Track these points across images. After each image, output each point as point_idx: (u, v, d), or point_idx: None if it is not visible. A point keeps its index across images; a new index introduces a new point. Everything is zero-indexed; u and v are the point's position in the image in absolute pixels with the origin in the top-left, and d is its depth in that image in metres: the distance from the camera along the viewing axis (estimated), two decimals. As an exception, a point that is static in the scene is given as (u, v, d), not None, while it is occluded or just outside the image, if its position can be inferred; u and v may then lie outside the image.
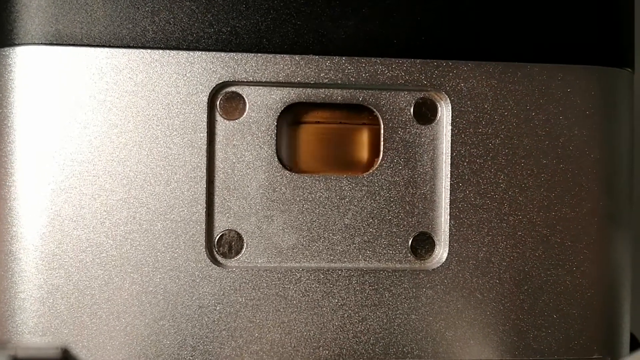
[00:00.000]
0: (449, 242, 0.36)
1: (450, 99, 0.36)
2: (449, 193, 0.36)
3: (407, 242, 0.36)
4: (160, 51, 0.34)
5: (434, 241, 0.37)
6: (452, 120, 0.36)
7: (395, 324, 0.36)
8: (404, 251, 0.36)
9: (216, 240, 0.35)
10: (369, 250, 0.36)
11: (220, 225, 0.35)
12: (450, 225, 0.36)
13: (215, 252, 0.35)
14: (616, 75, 0.37)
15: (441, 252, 0.36)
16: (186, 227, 0.35)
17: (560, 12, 0.37)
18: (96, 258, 0.34)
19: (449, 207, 0.36)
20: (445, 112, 0.36)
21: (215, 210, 0.35)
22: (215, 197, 0.35)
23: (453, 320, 0.36)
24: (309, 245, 0.36)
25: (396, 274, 0.36)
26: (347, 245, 0.36)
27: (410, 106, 0.36)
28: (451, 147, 0.36)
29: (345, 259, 0.36)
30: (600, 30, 0.37)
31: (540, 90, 0.36)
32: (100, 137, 0.34)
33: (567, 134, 0.37)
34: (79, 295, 0.34)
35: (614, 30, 0.38)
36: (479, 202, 0.36)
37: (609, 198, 0.37)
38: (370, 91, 0.36)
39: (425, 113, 0.36)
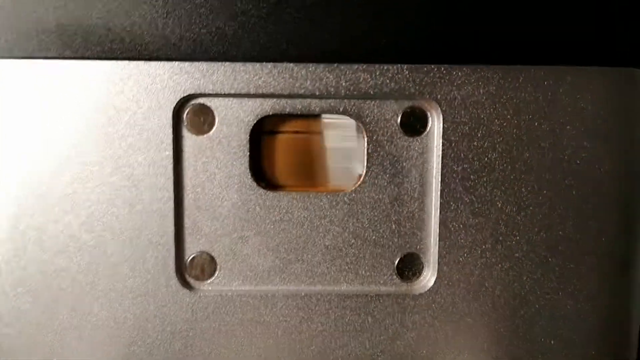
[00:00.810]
0: (438, 264, 0.33)
1: (441, 109, 0.32)
2: (438, 211, 0.33)
3: (393, 263, 0.34)
4: (120, 62, 0.31)
5: (422, 263, 0.34)
6: (443, 131, 0.32)
7: (379, 350, 0.34)
8: (389, 273, 0.34)
9: (187, 263, 0.33)
10: (352, 273, 0.34)
11: (191, 247, 0.33)
12: (439, 246, 0.33)
13: (186, 276, 0.33)
14: (633, 77, 0.33)
15: (429, 275, 0.34)
16: (155, 250, 0.33)
17: (567, 6, 0.32)
18: (62, 283, 0.33)
19: (438, 226, 0.33)
20: (435, 122, 0.33)
21: (186, 232, 0.33)
22: (185, 217, 0.33)
23: (442, 348, 0.34)
24: (286, 268, 0.33)
25: (380, 298, 0.33)
26: (327, 268, 0.34)
27: (397, 117, 0.33)
28: (442, 161, 0.33)
29: (326, 282, 0.34)
30: (614, 25, 0.33)
31: (544, 97, 0.32)
32: (60, 157, 0.32)
33: (574, 145, 0.33)
34: (47, 321, 0.33)
35: (631, 25, 0.33)
36: (472, 222, 0.33)
37: (621, 217, 0.33)
38: (352, 101, 0.33)
39: (414, 124, 0.33)
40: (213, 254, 0.33)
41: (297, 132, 0.34)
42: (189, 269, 0.33)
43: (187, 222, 0.33)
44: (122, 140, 0.32)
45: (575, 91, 0.32)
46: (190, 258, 0.33)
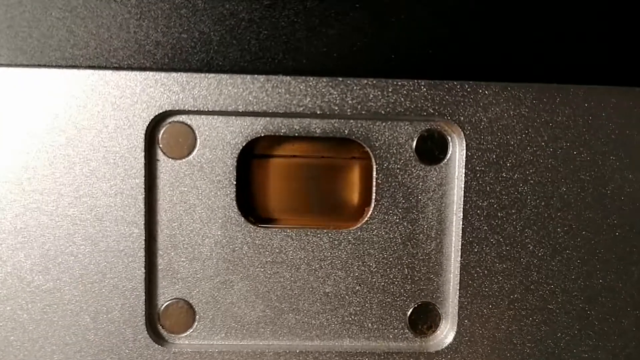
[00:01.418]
0: (458, 316, 0.28)
1: (464, 132, 0.27)
2: (459, 254, 0.28)
3: (405, 315, 0.29)
4: (83, 71, 0.26)
5: (439, 314, 0.29)
6: (466, 159, 0.27)
7: (387, 418, 0.28)
8: (400, 327, 0.29)
9: (160, 312, 0.28)
10: (356, 326, 0.28)
11: (166, 294, 0.28)
12: (460, 295, 0.28)
13: (159, 328, 0.28)
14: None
15: (448, 329, 0.29)
16: (122, 296, 0.27)
17: (611, 19, 0.27)
18: (11, 335, 0.27)
19: (459, 271, 0.28)
20: (457, 149, 0.28)
21: (159, 275, 0.28)
22: (159, 258, 0.28)
23: (461, 416, 0.28)
24: (278, 319, 0.28)
25: (390, 356, 0.28)
26: (327, 319, 0.28)
27: (412, 141, 0.28)
28: (464, 194, 0.28)
29: (325, 337, 0.28)
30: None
31: (585, 121, 0.28)
32: (8, 183, 0.26)
33: (619, 179, 0.28)
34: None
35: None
36: (499, 267, 0.28)
37: (672, 263, 0.28)
38: (359, 122, 0.28)
39: (432, 150, 0.28)
40: (191, 301, 0.28)
41: (293, 156, 0.29)
42: (162, 320, 0.28)
43: (161, 263, 0.28)
44: (84, 164, 0.26)
45: (620, 115, 0.28)
46: (163, 306, 0.28)
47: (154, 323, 0.28)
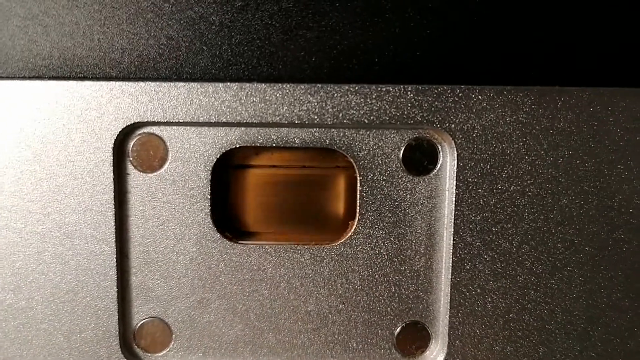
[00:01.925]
0: (449, 336, 0.26)
1: (455, 141, 0.25)
2: (450, 271, 0.26)
3: (392, 335, 0.27)
4: (47, 82, 0.25)
5: (428, 334, 0.27)
6: (457, 170, 0.25)
7: None
8: (387, 347, 0.27)
9: (135, 331, 0.27)
10: (340, 346, 0.27)
11: (140, 313, 0.27)
12: (450, 315, 0.26)
13: (134, 347, 0.27)
14: None
15: (437, 350, 0.27)
16: (94, 316, 0.26)
17: (616, 15, 0.25)
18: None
19: (450, 289, 0.26)
20: (448, 158, 0.26)
21: (132, 293, 0.27)
22: (132, 276, 0.26)
23: None
24: (257, 339, 0.27)
25: (376, 376, 0.27)
26: (309, 339, 0.27)
27: (399, 150, 0.26)
28: (455, 208, 0.25)
29: (307, 358, 0.27)
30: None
31: (589, 126, 0.25)
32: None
33: (627, 190, 0.25)
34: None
35: None
36: (493, 285, 0.26)
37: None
38: (341, 130, 0.26)
39: (420, 160, 0.26)
40: (167, 320, 0.27)
41: (273, 166, 0.27)
42: (137, 339, 0.27)
43: (135, 281, 0.26)
44: (51, 180, 0.25)
45: (629, 119, 0.25)
46: (138, 325, 0.27)
47: (129, 342, 0.27)
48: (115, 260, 0.26)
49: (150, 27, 0.25)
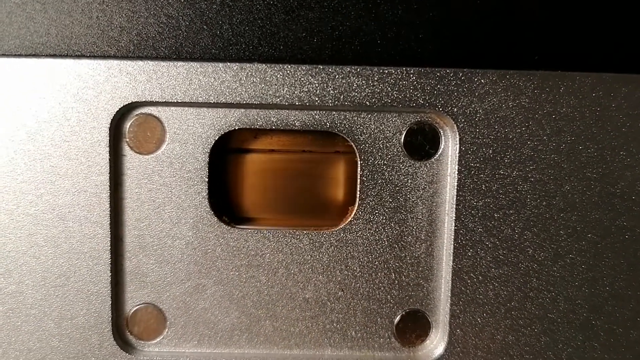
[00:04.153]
0: (450, 325, 0.26)
1: (457, 125, 0.25)
2: (452, 258, 0.26)
3: (392, 323, 0.26)
4: (42, 60, 0.24)
5: (428, 323, 0.26)
6: (459, 155, 0.25)
7: None
8: (386, 335, 0.26)
9: (128, 318, 0.26)
10: (338, 334, 0.26)
11: (134, 298, 0.26)
12: (452, 303, 0.26)
13: (127, 334, 0.26)
14: None
15: (438, 339, 0.26)
16: (87, 301, 0.25)
17: (624, 2, 0.25)
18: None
19: (451, 277, 0.26)
20: (450, 143, 0.25)
21: (126, 279, 0.26)
22: (126, 260, 0.26)
23: None
24: (254, 326, 0.26)
25: (375, 366, 0.26)
26: (307, 327, 0.26)
27: (401, 134, 0.26)
28: (457, 193, 0.25)
29: (305, 346, 0.26)
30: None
31: (592, 112, 0.25)
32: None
33: (630, 177, 0.25)
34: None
35: None
36: (495, 272, 0.26)
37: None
38: (342, 113, 0.25)
39: (422, 144, 0.26)
40: (161, 306, 0.26)
41: (272, 150, 0.27)
42: (130, 326, 0.26)
43: (129, 266, 0.26)
44: (45, 160, 0.25)
45: (632, 106, 0.25)
46: (132, 312, 0.26)
47: (122, 329, 0.26)
48: (109, 243, 0.25)
49: (149, 6, 0.24)
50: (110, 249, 0.25)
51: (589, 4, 0.25)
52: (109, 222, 0.25)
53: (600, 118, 0.25)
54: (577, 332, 0.26)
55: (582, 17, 0.25)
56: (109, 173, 0.25)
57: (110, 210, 0.25)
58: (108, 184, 0.25)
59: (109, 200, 0.25)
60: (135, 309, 0.26)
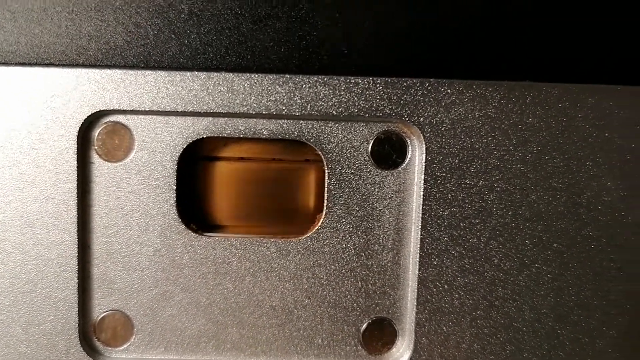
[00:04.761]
0: (415, 333, 0.26)
1: (424, 135, 0.25)
2: (417, 267, 0.26)
3: (358, 331, 0.27)
4: (10, 68, 0.24)
5: (394, 331, 0.27)
6: (426, 164, 0.25)
7: None
8: (353, 343, 0.27)
9: (96, 324, 0.26)
10: (305, 342, 0.26)
11: (101, 305, 0.26)
12: (417, 311, 0.26)
13: (94, 341, 0.26)
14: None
15: (404, 347, 0.26)
16: (54, 307, 0.25)
17: (591, 11, 0.25)
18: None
19: (417, 285, 0.26)
20: (416, 152, 0.25)
21: (94, 285, 0.26)
22: (94, 267, 0.26)
23: None
24: (221, 334, 0.26)
25: (341, 374, 0.26)
26: (274, 335, 0.26)
27: (367, 144, 0.26)
28: (424, 202, 0.25)
29: (271, 353, 0.26)
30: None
31: (558, 122, 0.25)
32: None
33: (596, 187, 0.25)
34: None
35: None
36: (460, 281, 0.26)
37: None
38: (309, 122, 0.26)
39: (389, 153, 0.26)
40: (129, 313, 0.26)
41: (241, 158, 0.27)
42: (97, 332, 0.26)
43: (96, 272, 0.26)
44: (13, 167, 0.25)
45: (598, 116, 0.25)
46: (99, 318, 0.26)
47: (89, 336, 0.26)
48: (76, 250, 0.25)
49: (118, 15, 0.24)
50: (78, 256, 0.25)
51: (554, 15, 0.25)
52: (76, 230, 0.25)
53: (566, 128, 0.25)
54: (542, 341, 0.26)
55: (549, 27, 0.25)
56: (77, 180, 0.25)
57: (78, 218, 0.25)
58: (76, 191, 0.25)
59: (76, 207, 0.25)
60: (102, 315, 0.26)
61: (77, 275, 0.25)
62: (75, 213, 0.25)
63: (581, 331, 0.26)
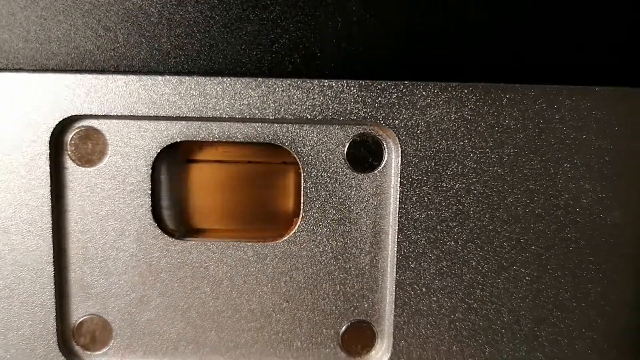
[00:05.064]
0: (394, 336, 0.26)
1: (399, 137, 0.25)
2: (395, 269, 0.25)
3: (337, 334, 0.26)
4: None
5: (373, 334, 0.27)
6: (402, 167, 0.25)
7: None
8: (332, 346, 0.27)
9: (74, 329, 0.26)
10: (284, 345, 0.26)
11: (79, 310, 0.26)
12: (395, 314, 0.26)
13: (72, 345, 0.26)
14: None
15: (383, 350, 0.26)
16: (31, 313, 0.26)
17: (570, 12, 0.24)
18: None
19: (394, 288, 0.26)
20: (392, 155, 0.25)
21: (71, 290, 0.26)
22: (70, 272, 0.26)
23: None
24: (199, 337, 0.26)
25: (320, 376, 0.26)
26: (252, 338, 0.26)
27: (343, 147, 0.25)
28: (400, 205, 0.25)
29: (250, 357, 0.26)
30: (623, 36, 0.25)
31: (535, 124, 0.25)
32: None
33: (574, 188, 0.25)
34: None
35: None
36: (438, 284, 0.26)
37: (633, 282, 0.26)
38: (284, 125, 0.25)
39: (365, 156, 0.25)
40: (107, 317, 0.26)
41: (217, 161, 0.27)
42: (76, 337, 0.26)
43: (73, 277, 0.26)
44: (-14, 173, 0.25)
45: (576, 118, 0.25)
46: (77, 323, 0.26)
47: (68, 340, 0.26)
48: (52, 255, 0.25)
49: (87, 18, 0.24)
50: (54, 261, 0.25)
51: (530, 16, 0.24)
52: (51, 235, 0.25)
53: (543, 130, 0.25)
54: (521, 344, 0.26)
55: (525, 28, 0.24)
56: (50, 186, 0.25)
57: (53, 223, 0.25)
58: (49, 196, 0.25)
59: (50, 212, 0.25)
60: (80, 320, 0.26)
61: (53, 280, 0.25)
62: (50, 218, 0.25)
63: (560, 333, 0.26)
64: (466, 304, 0.26)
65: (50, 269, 0.25)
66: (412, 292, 0.26)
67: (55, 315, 0.26)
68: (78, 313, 0.26)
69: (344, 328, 0.26)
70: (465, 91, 0.24)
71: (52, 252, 0.25)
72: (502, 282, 0.26)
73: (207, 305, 0.26)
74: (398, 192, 0.25)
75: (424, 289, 0.26)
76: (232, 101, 0.24)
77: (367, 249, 0.26)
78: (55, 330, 0.26)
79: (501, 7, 0.24)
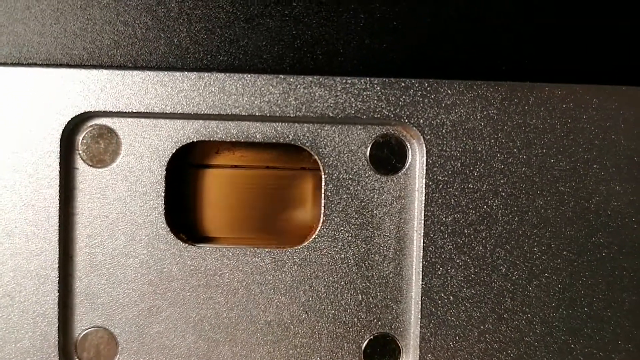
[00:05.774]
0: (420, 349, 0.24)
1: (424, 137, 0.24)
2: (421, 277, 0.24)
3: (359, 348, 0.25)
4: (-8, 68, 0.23)
5: (398, 347, 0.25)
6: (427, 168, 0.24)
7: None
8: (353, 361, 0.25)
9: (77, 342, 0.24)
10: (302, 360, 0.25)
11: (84, 321, 0.24)
12: (422, 325, 0.24)
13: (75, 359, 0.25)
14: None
15: (408, 364, 0.25)
16: (33, 324, 0.24)
17: (593, 11, 0.24)
18: None
19: (420, 298, 0.24)
20: (417, 156, 0.24)
21: (76, 300, 0.24)
22: (76, 280, 0.24)
23: None
24: (212, 351, 0.25)
25: (341, 394, 0.25)
26: (269, 352, 0.25)
27: (366, 147, 0.25)
28: (425, 209, 0.24)
29: (266, 372, 0.25)
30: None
31: (563, 124, 0.24)
32: None
33: (604, 191, 0.24)
34: None
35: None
36: (466, 293, 0.24)
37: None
38: (305, 125, 0.24)
39: (388, 158, 0.25)
40: (113, 330, 0.24)
41: (234, 166, 0.26)
42: (79, 351, 0.24)
43: (79, 286, 0.24)
44: (-7, 173, 0.23)
45: (604, 118, 0.24)
46: (81, 336, 0.24)
47: (70, 354, 0.24)
48: (57, 261, 0.24)
49: (105, 12, 0.23)
50: (59, 267, 0.24)
51: (557, 15, 0.24)
52: (57, 239, 0.24)
53: (571, 130, 0.24)
54: (555, 357, 0.24)
55: (551, 27, 0.24)
56: (59, 187, 0.24)
57: (60, 226, 0.24)
58: (58, 198, 0.24)
59: (58, 215, 0.24)
60: (84, 332, 0.24)
61: (57, 288, 0.24)
62: (57, 221, 0.24)
63: (595, 345, 0.24)
64: (496, 314, 0.24)
65: (54, 276, 0.24)
66: (439, 302, 0.24)
67: (58, 327, 0.24)
68: (82, 325, 0.24)
69: (366, 342, 0.25)
70: (491, 90, 0.24)
71: (57, 257, 0.24)
72: (533, 291, 0.24)
73: (221, 317, 0.24)
74: (423, 194, 0.24)
75: (451, 297, 0.24)
76: (252, 98, 0.24)
77: (391, 256, 0.25)
78: (56, 343, 0.24)
79: (529, 6, 0.24)
